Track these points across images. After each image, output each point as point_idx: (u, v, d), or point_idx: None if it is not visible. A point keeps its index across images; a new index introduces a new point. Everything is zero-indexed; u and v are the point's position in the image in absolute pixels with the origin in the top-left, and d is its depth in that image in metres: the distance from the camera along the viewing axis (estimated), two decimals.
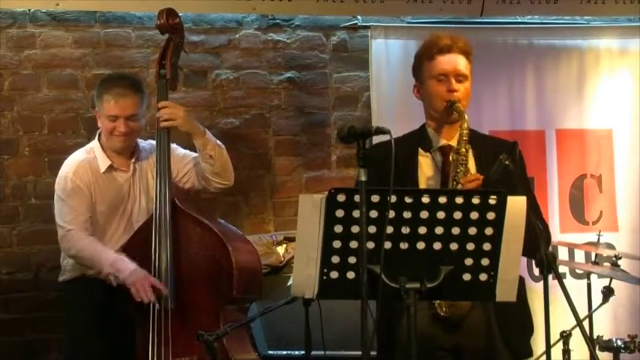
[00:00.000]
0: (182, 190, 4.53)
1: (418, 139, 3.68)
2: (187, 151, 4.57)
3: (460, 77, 3.61)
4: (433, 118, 3.67)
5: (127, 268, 4.23)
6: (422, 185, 3.60)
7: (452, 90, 3.58)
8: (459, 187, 3.47)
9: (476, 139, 3.63)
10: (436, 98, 3.61)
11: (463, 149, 3.54)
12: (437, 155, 3.63)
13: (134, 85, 4.47)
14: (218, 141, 4.49)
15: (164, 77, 4.44)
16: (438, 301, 3.45)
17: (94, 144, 4.51)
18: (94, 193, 4.41)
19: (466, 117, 3.55)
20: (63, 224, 4.38)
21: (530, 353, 3.64)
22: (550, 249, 3.67)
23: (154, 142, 4.54)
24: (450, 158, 3.57)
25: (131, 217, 4.47)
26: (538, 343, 3.70)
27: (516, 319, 3.53)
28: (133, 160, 4.50)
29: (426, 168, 3.62)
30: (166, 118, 4.37)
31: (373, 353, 3.02)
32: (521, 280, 3.54)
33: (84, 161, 4.45)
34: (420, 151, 3.64)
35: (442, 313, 3.47)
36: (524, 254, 3.29)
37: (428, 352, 3.42)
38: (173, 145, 4.50)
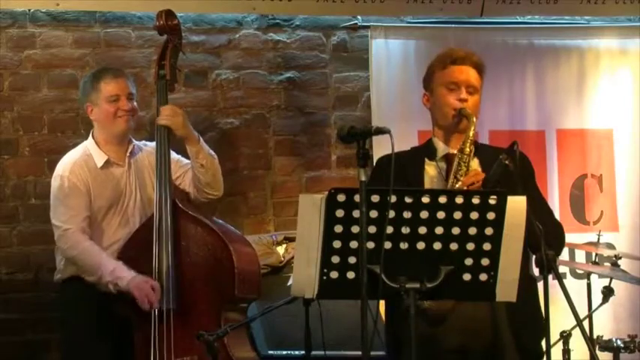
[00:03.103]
0: (182, 191, 4.53)
1: (424, 150, 3.69)
2: (181, 157, 4.58)
3: (470, 89, 3.62)
4: (441, 127, 3.67)
5: (126, 275, 4.24)
6: None
7: (462, 99, 3.59)
8: (459, 184, 3.47)
9: (481, 151, 3.63)
10: (445, 105, 3.61)
11: (467, 149, 3.53)
12: (442, 163, 3.63)
13: (122, 70, 4.65)
14: (211, 150, 4.50)
15: (163, 78, 4.47)
16: None
17: (88, 142, 4.53)
18: (92, 189, 4.42)
19: (474, 120, 3.56)
20: (59, 224, 4.39)
21: (541, 355, 3.62)
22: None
23: (148, 142, 4.57)
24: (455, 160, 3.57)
25: (127, 212, 4.48)
26: None
27: (530, 320, 3.51)
28: (128, 154, 4.52)
29: (430, 175, 3.63)
30: (166, 115, 4.39)
31: (373, 353, 3.01)
32: (533, 280, 3.54)
33: (79, 159, 4.46)
34: (426, 160, 3.64)
35: (426, 305, 3.44)
36: (531, 250, 3.32)
37: (433, 353, 3.41)
38: None
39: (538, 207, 3.46)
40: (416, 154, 3.66)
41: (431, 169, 3.63)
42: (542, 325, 3.57)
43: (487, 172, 3.53)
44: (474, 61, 3.67)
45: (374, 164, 3.68)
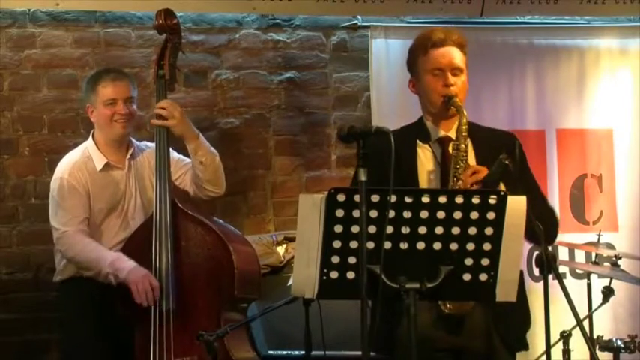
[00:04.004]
0: (182, 191, 4.52)
1: (416, 131, 3.66)
2: (182, 156, 4.56)
3: (456, 70, 3.59)
4: (430, 112, 3.65)
5: (126, 266, 4.23)
6: (422, 178, 3.59)
7: (448, 84, 3.56)
8: (460, 183, 3.46)
9: (475, 132, 3.60)
10: (433, 93, 3.59)
11: (463, 145, 3.52)
12: (436, 147, 3.62)
13: (123, 72, 4.59)
14: (212, 148, 4.47)
15: (163, 77, 4.44)
16: None
17: (88, 144, 4.51)
18: (91, 192, 4.41)
19: (465, 112, 3.54)
20: (58, 226, 4.38)
21: (525, 347, 3.62)
22: (550, 248, 3.66)
23: (148, 143, 4.56)
24: (450, 151, 3.55)
25: (127, 214, 4.47)
26: (538, 343, 3.70)
27: (514, 313, 3.51)
28: (128, 156, 4.51)
29: (425, 161, 3.61)
30: (161, 114, 4.37)
31: (373, 353, 3.01)
32: (520, 274, 3.54)
33: (79, 162, 4.45)
34: (419, 142, 3.62)
35: (447, 310, 3.46)
36: (530, 241, 3.35)
37: (428, 353, 3.41)
38: None
39: (532, 195, 3.46)
40: (407, 135, 3.62)
41: (424, 154, 3.62)
42: (526, 318, 3.59)
43: (481, 157, 3.53)
44: (455, 40, 3.62)
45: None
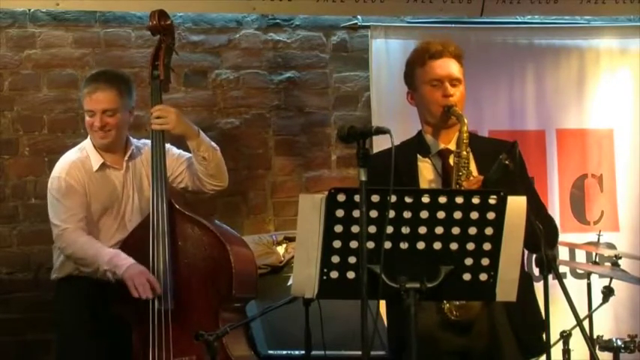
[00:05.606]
0: (178, 191, 4.52)
1: (416, 145, 3.66)
2: (182, 152, 4.55)
3: (454, 81, 3.58)
4: (430, 123, 3.64)
5: (124, 263, 4.23)
6: (423, 187, 3.58)
7: (447, 95, 3.55)
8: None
9: (475, 142, 3.61)
10: (432, 104, 3.58)
11: (464, 152, 3.51)
12: (436, 160, 3.61)
13: (110, 80, 4.43)
14: (212, 142, 4.48)
15: (157, 78, 4.43)
16: (448, 305, 3.44)
17: (86, 143, 4.50)
18: (88, 192, 4.40)
19: (465, 120, 3.54)
20: (58, 223, 4.37)
21: (543, 350, 3.62)
22: None
23: (146, 141, 4.54)
24: (451, 162, 3.55)
25: (124, 216, 4.46)
26: None
27: (528, 317, 3.51)
28: (127, 158, 4.49)
29: (426, 173, 3.60)
30: (158, 122, 4.37)
31: (373, 353, 3.01)
32: (529, 277, 3.54)
33: (76, 161, 4.44)
34: (419, 156, 3.62)
35: (452, 317, 3.45)
36: (528, 249, 3.34)
37: (435, 354, 3.42)
38: (167, 146, 4.48)
39: (532, 201, 3.46)
40: (406, 150, 3.62)
41: (424, 167, 3.62)
42: (540, 321, 3.57)
43: (482, 166, 3.53)
44: (452, 52, 3.61)
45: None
